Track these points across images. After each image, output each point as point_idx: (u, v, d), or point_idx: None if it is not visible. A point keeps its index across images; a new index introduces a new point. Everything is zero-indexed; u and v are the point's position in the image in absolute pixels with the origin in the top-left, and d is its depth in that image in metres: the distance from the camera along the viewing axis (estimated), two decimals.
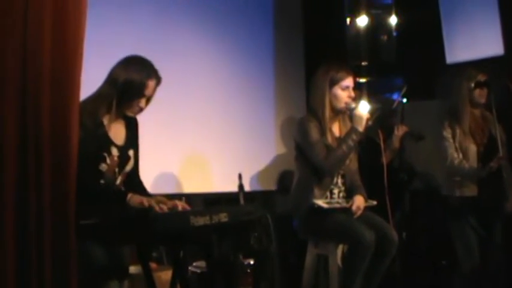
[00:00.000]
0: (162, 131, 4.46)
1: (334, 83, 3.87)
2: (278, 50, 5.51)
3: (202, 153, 4.82)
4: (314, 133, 3.81)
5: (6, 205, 2.33)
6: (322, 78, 3.90)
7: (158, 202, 2.86)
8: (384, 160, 3.91)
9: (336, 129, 3.96)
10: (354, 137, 3.79)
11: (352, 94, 3.88)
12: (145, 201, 2.86)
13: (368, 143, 4.19)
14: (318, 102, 3.89)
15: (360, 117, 3.79)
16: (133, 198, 2.89)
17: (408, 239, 4.73)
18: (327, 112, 3.86)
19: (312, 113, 3.91)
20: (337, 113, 3.92)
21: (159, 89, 3.15)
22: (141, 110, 3.10)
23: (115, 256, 2.94)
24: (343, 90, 3.86)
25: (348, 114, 3.92)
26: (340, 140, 3.83)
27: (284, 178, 5.11)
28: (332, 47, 5.47)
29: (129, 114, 3.10)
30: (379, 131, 3.93)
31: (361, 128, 3.79)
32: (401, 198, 4.85)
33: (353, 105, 3.85)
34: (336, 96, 3.86)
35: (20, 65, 2.40)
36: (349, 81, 3.88)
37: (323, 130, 3.83)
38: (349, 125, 3.89)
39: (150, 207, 2.80)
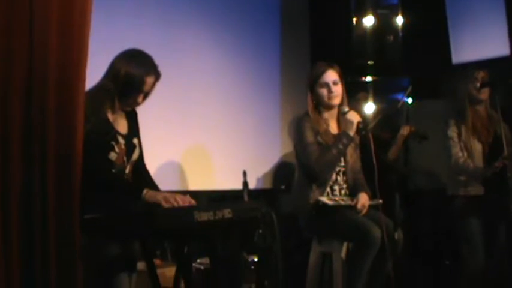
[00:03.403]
0: (167, 129, 4.47)
1: (314, 81, 3.83)
2: (284, 49, 5.51)
3: (207, 151, 4.83)
4: (308, 134, 3.78)
5: (11, 202, 2.34)
6: (307, 78, 3.90)
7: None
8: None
9: (334, 125, 3.91)
10: (345, 141, 3.75)
11: (333, 90, 3.78)
12: (162, 198, 2.84)
13: (374, 142, 4.18)
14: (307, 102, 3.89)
15: (351, 122, 3.75)
16: (148, 194, 2.87)
17: (413, 238, 4.72)
18: (311, 111, 3.83)
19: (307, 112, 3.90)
20: (328, 108, 3.87)
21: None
22: (138, 104, 3.10)
23: (125, 249, 2.94)
24: (323, 88, 3.80)
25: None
26: (331, 144, 3.78)
27: (291, 176, 5.11)
28: (338, 46, 5.47)
29: (126, 108, 3.11)
30: (386, 131, 3.90)
31: (351, 132, 3.75)
32: (407, 198, 4.85)
33: (346, 109, 3.80)
34: (317, 95, 3.83)
35: (26, 64, 2.41)
36: (327, 77, 3.79)
37: (316, 130, 3.81)
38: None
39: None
